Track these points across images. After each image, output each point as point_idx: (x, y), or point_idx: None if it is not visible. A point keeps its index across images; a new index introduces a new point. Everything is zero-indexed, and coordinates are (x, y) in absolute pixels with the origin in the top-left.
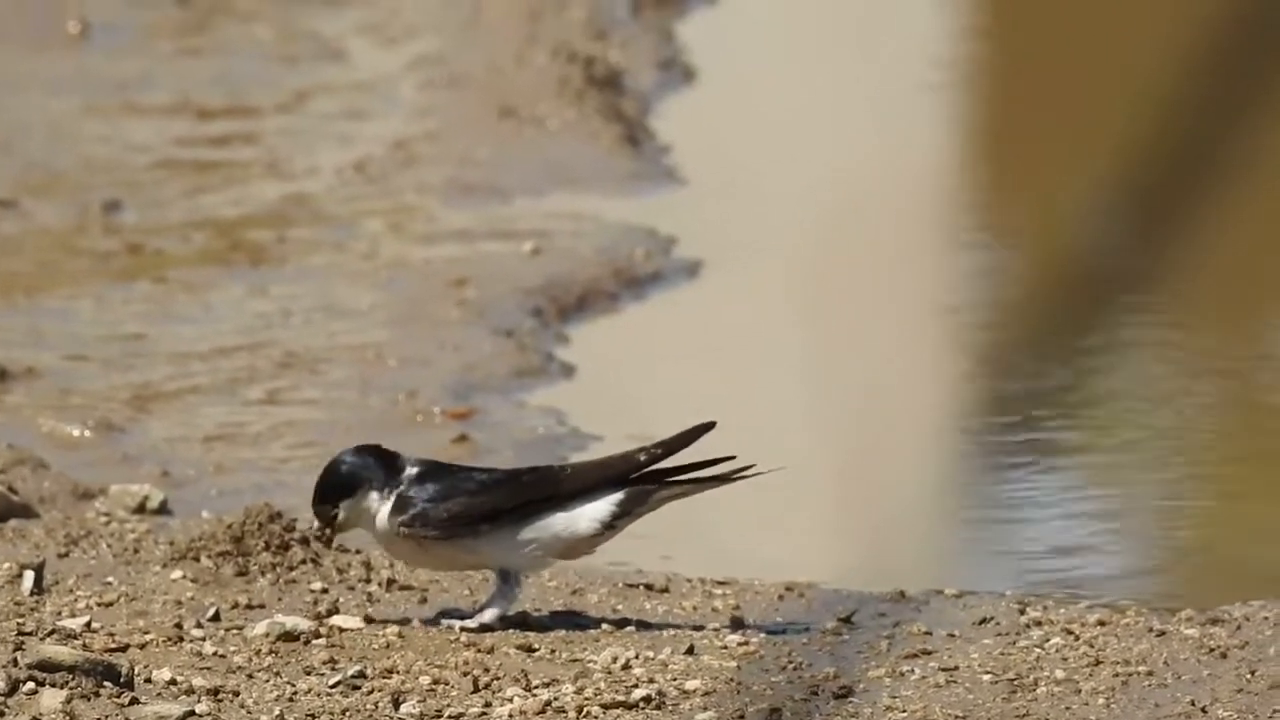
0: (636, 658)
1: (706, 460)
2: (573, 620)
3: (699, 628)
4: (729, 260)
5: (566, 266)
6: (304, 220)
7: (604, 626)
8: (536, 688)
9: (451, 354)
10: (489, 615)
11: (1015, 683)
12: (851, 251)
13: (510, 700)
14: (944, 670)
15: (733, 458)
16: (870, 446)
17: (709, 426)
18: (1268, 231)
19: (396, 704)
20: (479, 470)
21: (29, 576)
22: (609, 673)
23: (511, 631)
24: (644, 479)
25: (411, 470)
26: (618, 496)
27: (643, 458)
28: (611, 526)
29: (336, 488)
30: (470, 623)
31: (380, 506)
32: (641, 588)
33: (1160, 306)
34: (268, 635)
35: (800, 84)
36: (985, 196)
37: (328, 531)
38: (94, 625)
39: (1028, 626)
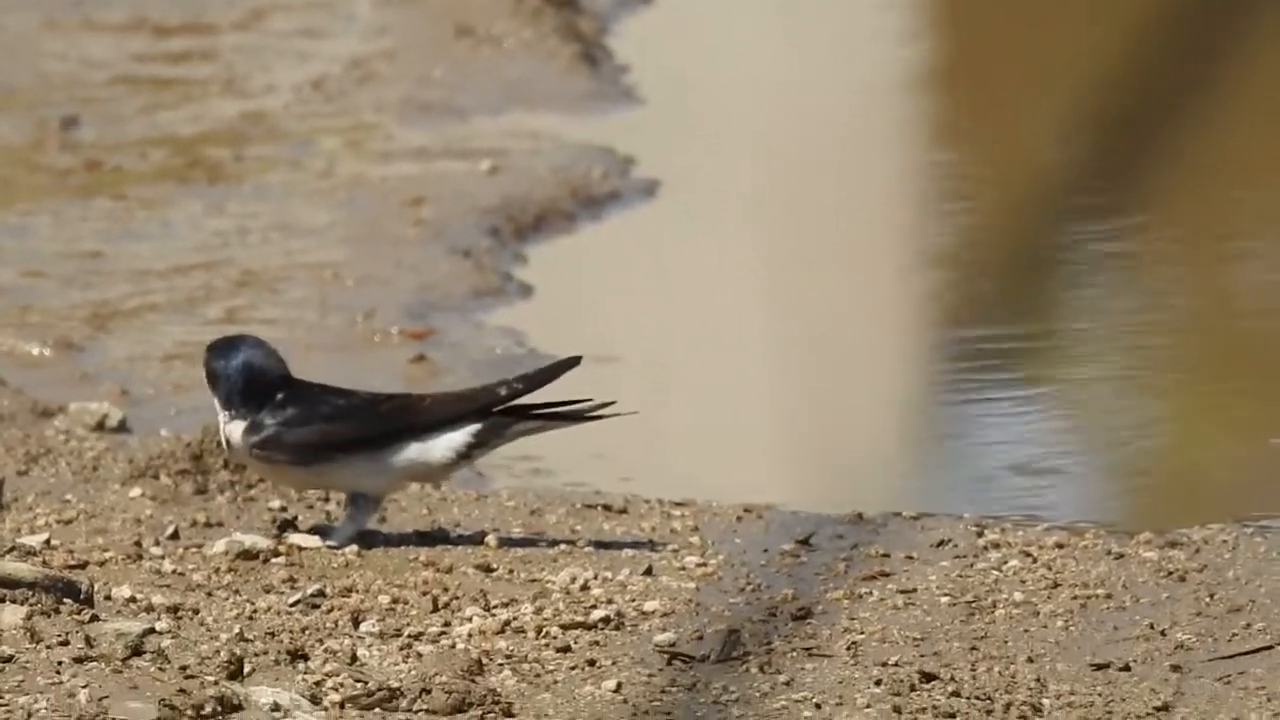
0: (595, 578)
1: (566, 401)
2: (532, 540)
3: (657, 549)
4: (687, 180)
5: (524, 186)
6: (261, 138)
7: (562, 547)
8: (495, 607)
9: (409, 273)
10: (339, 536)
11: (973, 605)
12: (810, 172)
13: (469, 620)
14: (902, 592)
15: (589, 400)
16: (829, 369)
17: (574, 362)
18: (1238, 152)
19: (356, 623)
20: (338, 394)
21: None
22: (568, 593)
23: (470, 551)
24: (503, 412)
25: (280, 392)
26: (475, 428)
27: (503, 391)
28: (466, 456)
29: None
30: (331, 541)
31: (232, 421)
32: (600, 509)
33: (1125, 228)
34: (226, 553)
35: (759, 4)
36: (948, 117)
37: None
38: (53, 542)
39: (985, 549)
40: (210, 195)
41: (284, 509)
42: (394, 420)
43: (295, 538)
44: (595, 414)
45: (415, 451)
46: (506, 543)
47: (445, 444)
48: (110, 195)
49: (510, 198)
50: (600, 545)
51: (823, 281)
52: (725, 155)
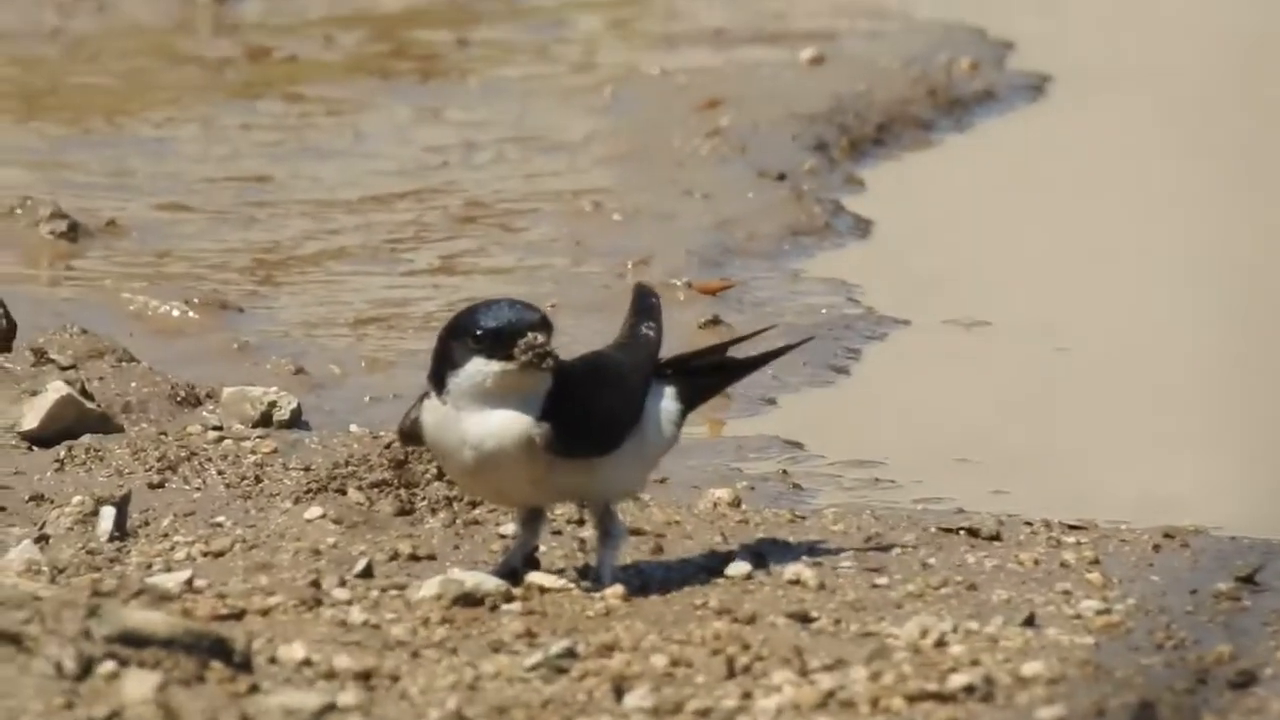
0: (954, 631)
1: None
2: (866, 579)
3: (1042, 589)
4: (1089, 74)
5: (861, 83)
6: (494, 15)
7: (909, 588)
8: (815, 672)
9: (700, 205)
10: (609, 570)
11: None
12: (1255, 71)
13: (779, 689)
14: None
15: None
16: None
17: (646, 293)
18: None
19: (619, 693)
20: (597, 357)
21: (107, 514)
22: (916, 651)
23: (780, 593)
24: (683, 365)
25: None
26: (673, 390)
27: (652, 334)
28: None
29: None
30: (620, 586)
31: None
32: (962, 533)
33: None
34: (440, 598)
35: None
36: None
37: (551, 353)
38: (198, 583)
39: None
40: (422, 95)
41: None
42: (646, 380)
43: (536, 576)
44: (783, 348)
45: (658, 424)
46: (831, 581)
47: (669, 414)
48: (283, 95)
49: (842, 99)
50: (962, 585)
51: (1274, 222)
52: (1142, 41)
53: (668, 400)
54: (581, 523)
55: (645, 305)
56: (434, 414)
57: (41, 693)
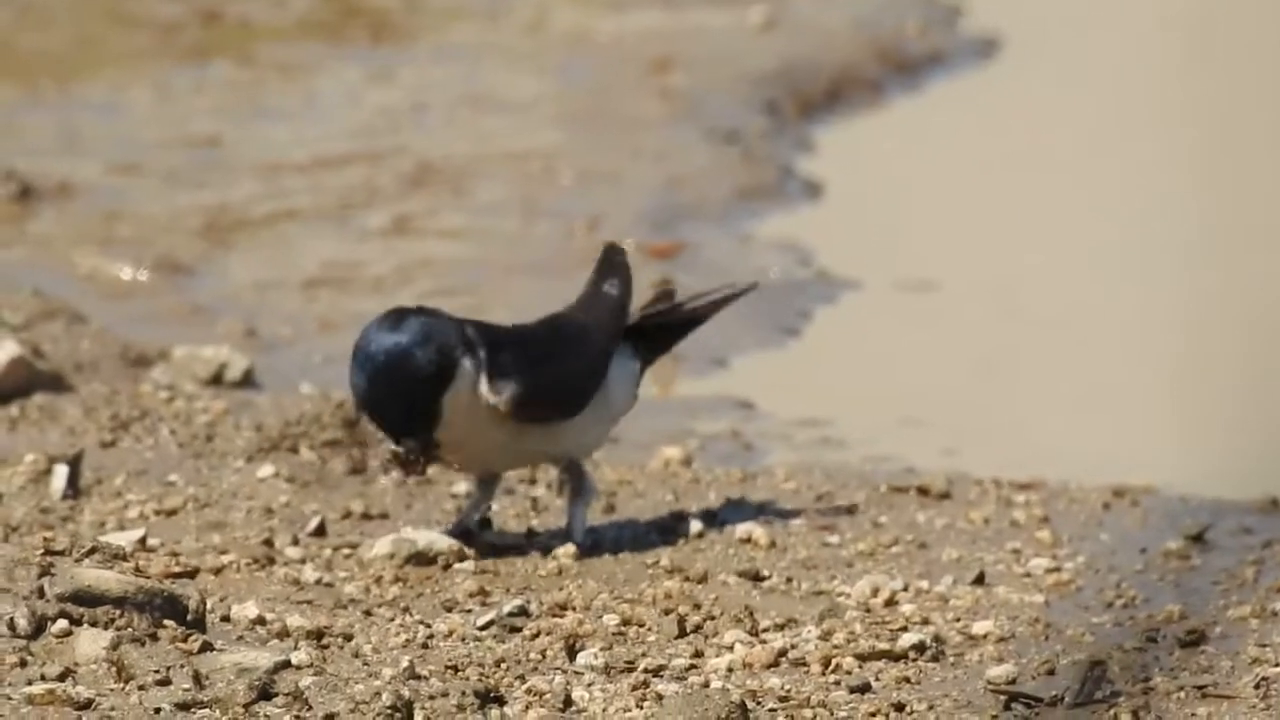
0: (905, 590)
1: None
2: (817, 537)
3: (992, 548)
4: (1037, 36)
5: (810, 45)
6: None
7: (860, 546)
8: (767, 631)
9: (650, 166)
10: (581, 527)
11: None
12: (1217, 27)
13: (730, 648)
14: None
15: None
16: (1231, 306)
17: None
18: None
19: (572, 652)
20: (542, 324)
21: (60, 473)
22: (867, 610)
23: (731, 552)
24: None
25: (472, 331)
26: (630, 349)
27: (615, 292)
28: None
29: (430, 380)
30: (573, 545)
31: (478, 379)
32: (913, 492)
33: None
34: (393, 557)
35: None
36: None
37: (423, 459)
38: (150, 541)
39: None
40: (372, 58)
41: (472, 494)
42: (610, 339)
43: (490, 535)
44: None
45: (621, 384)
46: (782, 540)
47: (631, 372)
48: (233, 58)
49: (792, 61)
50: (913, 543)
51: (1230, 184)
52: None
53: (628, 359)
54: (533, 482)
55: (612, 262)
56: None
57: None
